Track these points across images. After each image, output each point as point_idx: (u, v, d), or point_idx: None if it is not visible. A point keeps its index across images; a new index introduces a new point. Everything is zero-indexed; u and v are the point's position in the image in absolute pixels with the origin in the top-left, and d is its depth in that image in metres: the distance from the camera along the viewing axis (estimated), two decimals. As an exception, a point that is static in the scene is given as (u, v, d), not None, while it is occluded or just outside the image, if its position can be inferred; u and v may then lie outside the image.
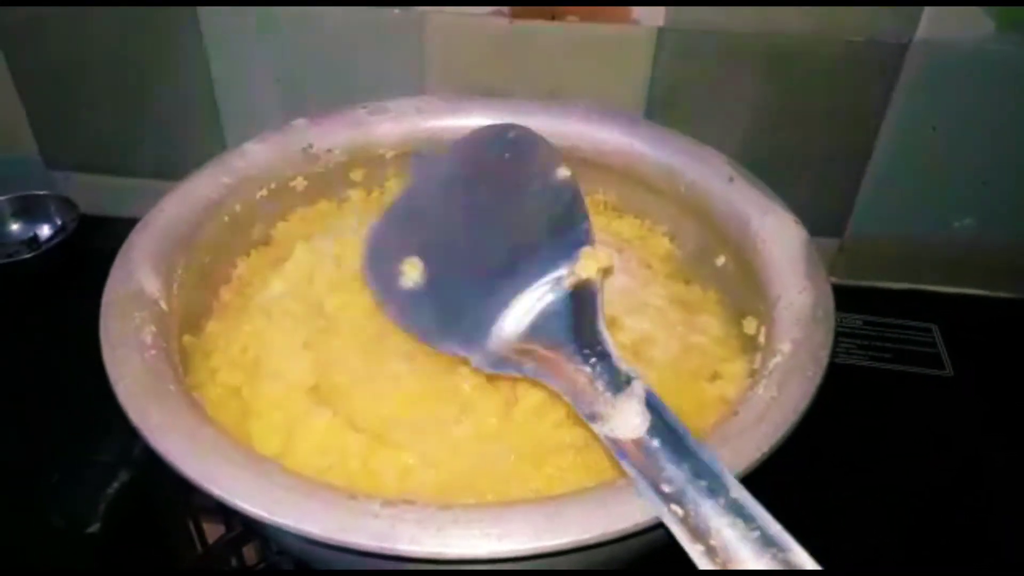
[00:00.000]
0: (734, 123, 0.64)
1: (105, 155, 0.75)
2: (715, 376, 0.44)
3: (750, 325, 0.45)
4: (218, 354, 0.45)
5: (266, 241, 0.52)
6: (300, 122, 0.53)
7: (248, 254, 0.51)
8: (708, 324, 0.47)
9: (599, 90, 0.64)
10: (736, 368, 0.44)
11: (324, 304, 0.47)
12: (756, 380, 0.37)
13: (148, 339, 0.39)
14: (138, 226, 0.45)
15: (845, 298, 0.67)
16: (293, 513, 0.32)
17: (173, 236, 0.45)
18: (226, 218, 0.49)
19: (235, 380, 0.43)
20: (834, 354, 0.39)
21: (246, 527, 0.48)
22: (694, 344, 0.46)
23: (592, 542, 0.31)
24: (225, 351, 0.45)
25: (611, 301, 0.47)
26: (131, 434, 0.35)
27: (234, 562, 0.49)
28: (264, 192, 0.51)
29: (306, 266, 0.49)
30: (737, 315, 0.47)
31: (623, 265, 0.49)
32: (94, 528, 0.51)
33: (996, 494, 0.54)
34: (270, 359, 0.44)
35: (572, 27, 0.62)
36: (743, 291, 0.47)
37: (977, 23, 0.58)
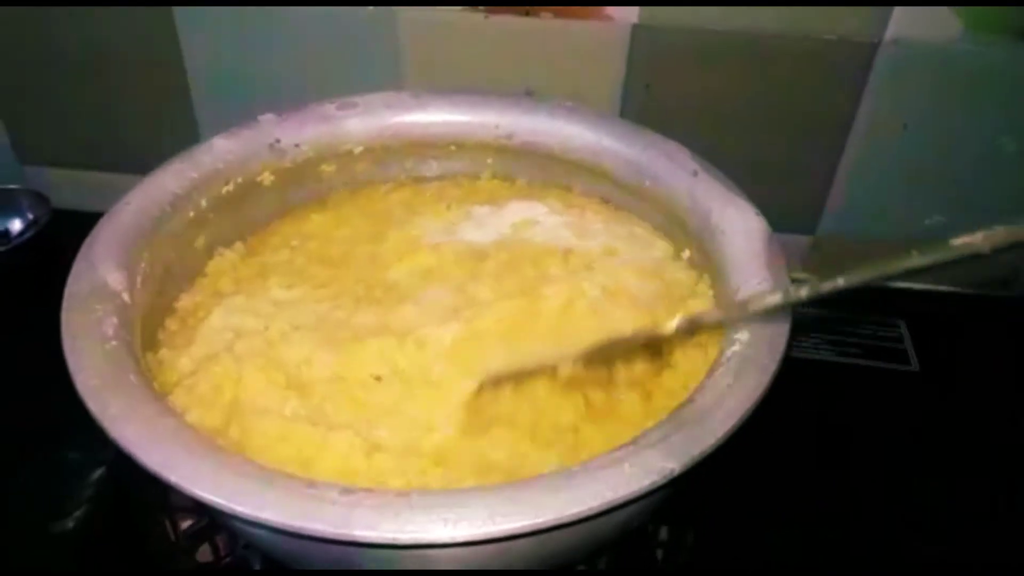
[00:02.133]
0: (707, 120, 0.64)
1: (78, 150, 0.74)
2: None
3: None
4: (181, 392, 0.42)
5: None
6: (268, 117, 0.53)
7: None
8: (652, 242, 0.52)
9: (574, 86, 0.65)
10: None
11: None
12: (714, 368, 0.38)
13: (109, 331, 0.39)
14: (102, 219, 0.45)
15: (815, 294, 0.69)
16: (251, 501, 0.32)
17: (137, 229, 0.45)
18: (191, 213, 0.49)
19: (214, 422, 0.41)
20: (792, 346, 0.39)
21: (211, 519, 0.48)
22: (651, 258, 0.51)
23: (545, 526, 0.31)
24: (191, 391, 0.42)
25: (559, 236, 0.52)
26: (101, 430, 0.35)
27: (203, 554, 0.49)
28: (230, 187, 0.51)
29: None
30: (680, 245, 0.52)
31: (549, 208, 0.54)
32: (65, 526, 0.50)
33: (961, 487, 0.55)
34: (254, 399, 0.42)
35: (547, 23, 0.62)
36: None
37: (946, 23, 0.59)
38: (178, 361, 0.44)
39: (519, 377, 0.42)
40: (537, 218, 0.53)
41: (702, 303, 0.48)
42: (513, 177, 0.58)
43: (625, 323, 0.44)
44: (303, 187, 0.55)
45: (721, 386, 0.36)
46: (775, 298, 0.36)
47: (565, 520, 0.31)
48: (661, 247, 0.52)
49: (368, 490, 0.33)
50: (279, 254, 0.52)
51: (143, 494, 0.52)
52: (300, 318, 0.46)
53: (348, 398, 0.42)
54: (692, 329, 0.39)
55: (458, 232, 0.53)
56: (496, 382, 0.42)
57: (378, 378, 0.43)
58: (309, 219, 0.55)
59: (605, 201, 0.56)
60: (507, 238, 0.52)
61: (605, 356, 0.42)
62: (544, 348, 0.44)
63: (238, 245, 0.52)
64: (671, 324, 0.39)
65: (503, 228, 0.53)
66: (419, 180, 0.58)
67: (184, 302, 0.48)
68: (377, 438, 0.40)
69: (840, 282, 0.34)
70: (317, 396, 0.42)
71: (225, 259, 0.51)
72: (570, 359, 0.41)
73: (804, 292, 0.35)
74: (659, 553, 0.51)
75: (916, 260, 0.32)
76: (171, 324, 0.47)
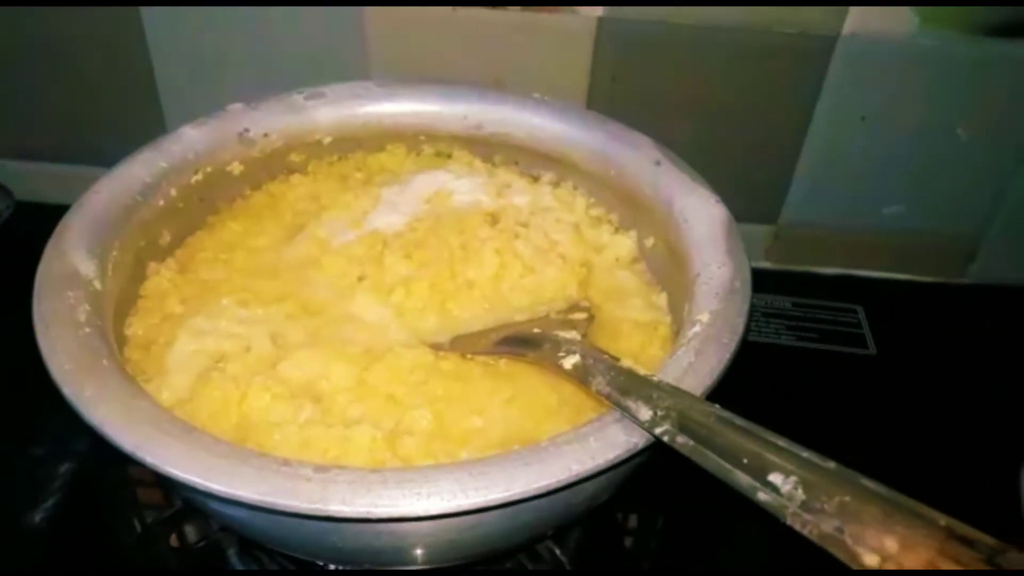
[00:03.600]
0: (673, 112, 0.66)
1: (42, 142, 0.74)
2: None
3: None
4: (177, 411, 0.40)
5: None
6: (236, 107, 0.53)
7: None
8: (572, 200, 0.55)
9: (542, 78, 0.66)
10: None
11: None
12: (675, 348, 0.39)
13: (82, 317, 0.40)
14: (72, 208, 0.45)
15: (777, 282, 0.70)
16: (225, 479, 0.33)
17: (107, 218, 0.45)
18: (161, 201, 0.49)
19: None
20: (751, 327, 0.40)
21: (185, 502, 0.48)
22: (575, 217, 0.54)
23: (514, 498, 0.32)
24: (191, 419, 0.39)
25: (479, 200, 0.54)
26: (69, 424, 0.35)
27: (174, 540, 0.49)
28: (199, 176, 0.51)
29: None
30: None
31: (454, 174, 0.56)
32: (34, 519, 0.50)
33: (915, 467, 0.56)
34: (265, 414, 0.41)
35: (514, 15, 0.63)
36: (668, 269, 0.49)
37: (902, 18, 0.61)
38: (160, 394, 0.42)
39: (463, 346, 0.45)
40: (449, 186, 0.55)
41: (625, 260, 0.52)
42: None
43: (557, 282, 0.49)
44: (218, 192, 0.54)
45: (682, 364, 0.37)
46: (644, 415, 0.34)
47: (533, 493, 0.32)
48: (581, 204, 0.55)
49: (342, 467, 0.33)
50: (215, 270, 0.50)
51: (111, 488, 0.53)
52: (278, 335, 0.45)
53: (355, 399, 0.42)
54: (583, 380, 0.38)
55: (369, 221, 0.53)
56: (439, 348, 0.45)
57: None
58: (226, 227, 0.53)
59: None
60: (425, 214, 0.53)
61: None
62: (483, 312, 0.48)
63: (170, 261, 0.50)
64: (570, 361, 0.39)
65: (418, 204, 0.54)
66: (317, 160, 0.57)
67: (135, 328, 0.46)
68: (396, 427, 0.41)
69: (685, 447, 0.32)
70: (326, 403, 0.42)
71: (162, 278, 0.48)
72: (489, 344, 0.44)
73: (659, 431, 0.33)
74: (628, 541, 0.52)
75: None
76: (132, 354, 0.45)
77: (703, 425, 0.32)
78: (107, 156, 0.50)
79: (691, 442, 0.31)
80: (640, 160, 0.51)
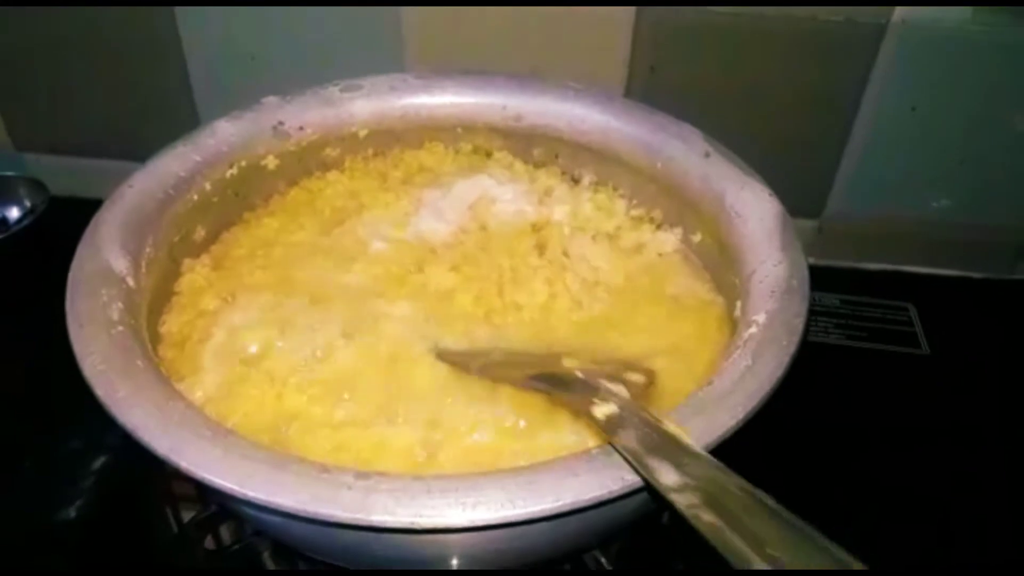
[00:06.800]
0: (713, 102, 0.64)
1: (76, 137, 0.74)
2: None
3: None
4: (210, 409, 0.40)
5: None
6: (271, 100, 0.52)
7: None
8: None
9: (580, 68, 0.64)
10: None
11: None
12: (731, 350, 0.37)
13: (115, 316, 0.39)
14: (106, 203, 0.44)
15: (823, 278, 0.68)
16: (264, 486, 0.31)
17: (141, 213, 0.44)
18: (195, 196, 0.48)
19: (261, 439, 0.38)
20: (809, 328, 0.39)
21: (220, 506, 0.47)
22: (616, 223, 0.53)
23: (564, 509, 0.31)
24: (225, 420, 0.40)
25: (522, 211, 0.53)
26: (103, 419, 0.34)
27: (209, 542, 0.48)
28: (234, 170, 0.50)
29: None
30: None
31: (496, 180, 0.54)
32: (67, 515, 0.50)
33: (970, 470, 0.54)
34: (301, 413, 0.40)
35: (551, 7, 0.62)
36: (719, 266, 0.47)
37: (954, 4, 0.58)
38: (193, 392, 0.41)
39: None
40: (492, 193, 0.53)
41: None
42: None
43: (605, 318, 0.46)
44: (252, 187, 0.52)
45: (739, 368, 0.36)
46: (669, 479, 0.30)
47: (584, 504, 0.31)
48: (621, 207, 0.53)
49: (383, 474, 0.32)
50: (250, 266, 0.49)
51: (146, 482, 0.52)
52: (316, 334, 0.44)
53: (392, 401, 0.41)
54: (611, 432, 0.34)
55: (412, 225, 0.51)
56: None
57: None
58: (262, 223, 0.52)
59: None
60: (470, 223, 0.52)
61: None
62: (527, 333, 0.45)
63: (204, 257, 0.49)
64: (603, 409, 0.35)
65: (462, 211, 0.52)
66: (353, 156, 0.56)
67: (169, 326, 0.45)
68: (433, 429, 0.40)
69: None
70: (362, 404, 0.41)
71: (197, 275, 0.47)
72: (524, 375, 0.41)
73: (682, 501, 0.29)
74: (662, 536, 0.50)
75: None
76: (166, 352, 0.43)
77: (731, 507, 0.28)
78: (141, 150, 0.49)
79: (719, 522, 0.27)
80: (689, 152, 0.49)
